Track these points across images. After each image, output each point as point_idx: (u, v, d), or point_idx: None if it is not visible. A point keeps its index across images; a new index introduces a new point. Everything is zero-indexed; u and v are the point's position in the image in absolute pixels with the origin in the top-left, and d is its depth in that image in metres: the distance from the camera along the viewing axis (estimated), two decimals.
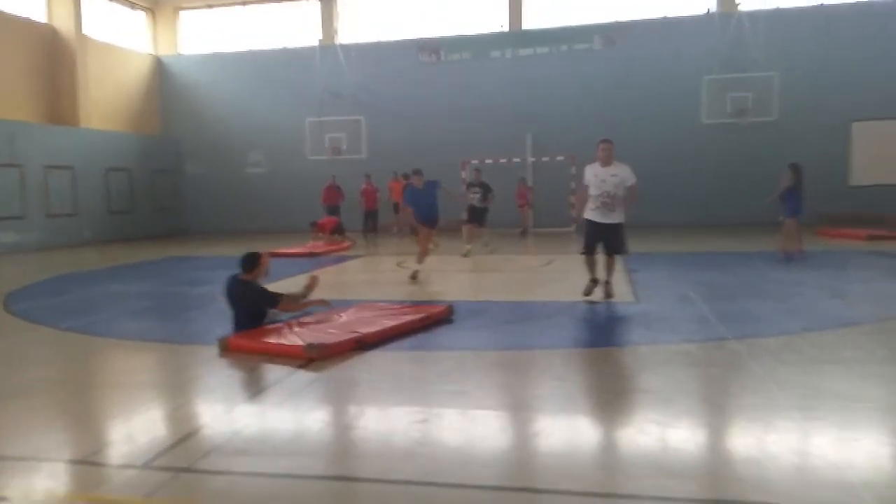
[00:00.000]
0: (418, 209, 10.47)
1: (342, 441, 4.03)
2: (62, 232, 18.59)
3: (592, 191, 7.78)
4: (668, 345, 6.05)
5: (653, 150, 18.75)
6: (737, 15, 19.33)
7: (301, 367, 5.40)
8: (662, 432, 3.95)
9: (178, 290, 10.44)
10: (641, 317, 7.33)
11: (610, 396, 4.81)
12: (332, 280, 10.55)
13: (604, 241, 7.90)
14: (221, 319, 6.75)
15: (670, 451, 3.71)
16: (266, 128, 22.66)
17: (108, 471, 3.55)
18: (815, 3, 19.34)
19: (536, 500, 3.19)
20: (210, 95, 23.31)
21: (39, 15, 19.45)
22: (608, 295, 7.98)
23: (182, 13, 23.83)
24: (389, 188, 19.89)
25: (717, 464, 3.64)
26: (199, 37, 23.83)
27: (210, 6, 23.46)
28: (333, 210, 19.00)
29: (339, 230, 16.45)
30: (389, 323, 6.52)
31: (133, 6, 22.96)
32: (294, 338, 6.02)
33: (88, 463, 3.70)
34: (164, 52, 23.77)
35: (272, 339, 6.06)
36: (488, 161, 18.56)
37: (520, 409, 4.60)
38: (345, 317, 6.82)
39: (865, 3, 19.04)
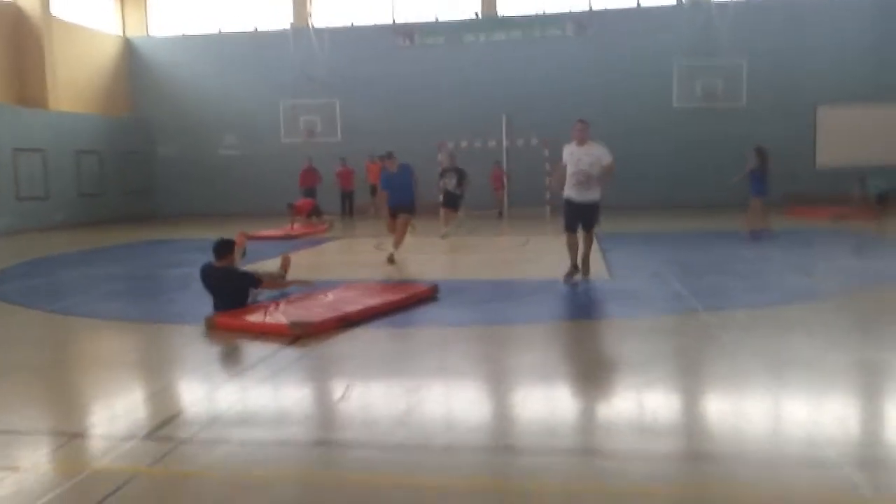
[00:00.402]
0: (392, 193, 10.47)
1: (334, 411, 4.18)
2: (32, 215, 18.31)
3: (569, 169, 8.01)
4: (642, 318, 6.30)
5: (625, 133, 19.03)
6: (707, 4, 19.76)
7: (288, 344, 5.53)
8: (639, 396, 4.17)
9: (157, 273, 10.45)
10: (617, 293, 7.58)
11: (589, 365, 5.03)
12: (311, 262, 10.64)
13: (582, 219, 8.12)
14: (203, 300, 6.82)
15: (647, 413, 3.93)
16: (240, 110, 22.50)
17: (111, 442, 3.66)
18: None
19: (520, 459, 3.38)
20: (181, 77, 23.03)
21: None
22: (585, 272, 8.20)
23: None
24: (367, 168, 19.97)
25: (691, 423, 3.87)
26: (169, 18, 23.48)
27: None
28: (310, 192, 19.01)
29: (316, 212, 16.48)
30: (375, 301, 6.66)
31: None
32: (279, 316, 6.14)
33: (91, 436, 3.81)
34: (133, 33, 23.41)
35: (257, 318, 6.17)
36: (463, 144, 18.67)
37: (503, 379, 4.79)
38: (331, 296, 6.93)
39: None
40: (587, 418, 3.99)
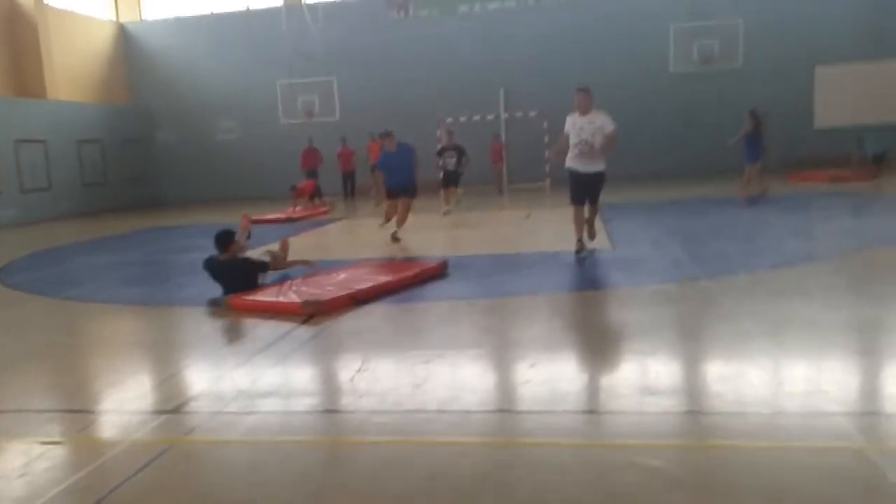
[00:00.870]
0: (390, 174, 10.24)
1: (353, 381, 4.37)
2: (37, 207, 18.46)
3: (571, 139, 7.89)
4: (645, 285, 6.48)
5: (623, 100, 19.01)
6: None
7: (302, 322, 5.71)
8: (643, 359, 4.36)
9: (166, 259, 10.61)
10: (619, 262, 7.76)
11: (593, 332, 5.22)
12: (315, 243, 10.80)
13: (589, 191, 8.03)
14: (213, 284, 6.97)
15: (651, 374, 4.12)
16: (236, 92, 22.49)
17: (144, 416, 3.87)
18: None
19: (529, 418, 3.58)
20: (176, 61, 23.00)
21: None
22: (591, 236, 8.30)
23: None
24: (367, 148, 19.89)
25: (694, 383, 4.06)
26: (161, 1, 23.39)
27: None
28: (312, 173, 19.07)
29: (317, 193, 16.60)
30: (385, 279, 6.83)
31: None
32: (292, 295, 6.32)
33: (125, 411, 4.01)
34: (126, 18, 23.33)
35: (270, 298, 6.35)
36: (462, 119, 18.70)
37: (512, 347, 4.98)
38: (342, 274, 7.10)
39: None
40: (592, 381, 4.18)
